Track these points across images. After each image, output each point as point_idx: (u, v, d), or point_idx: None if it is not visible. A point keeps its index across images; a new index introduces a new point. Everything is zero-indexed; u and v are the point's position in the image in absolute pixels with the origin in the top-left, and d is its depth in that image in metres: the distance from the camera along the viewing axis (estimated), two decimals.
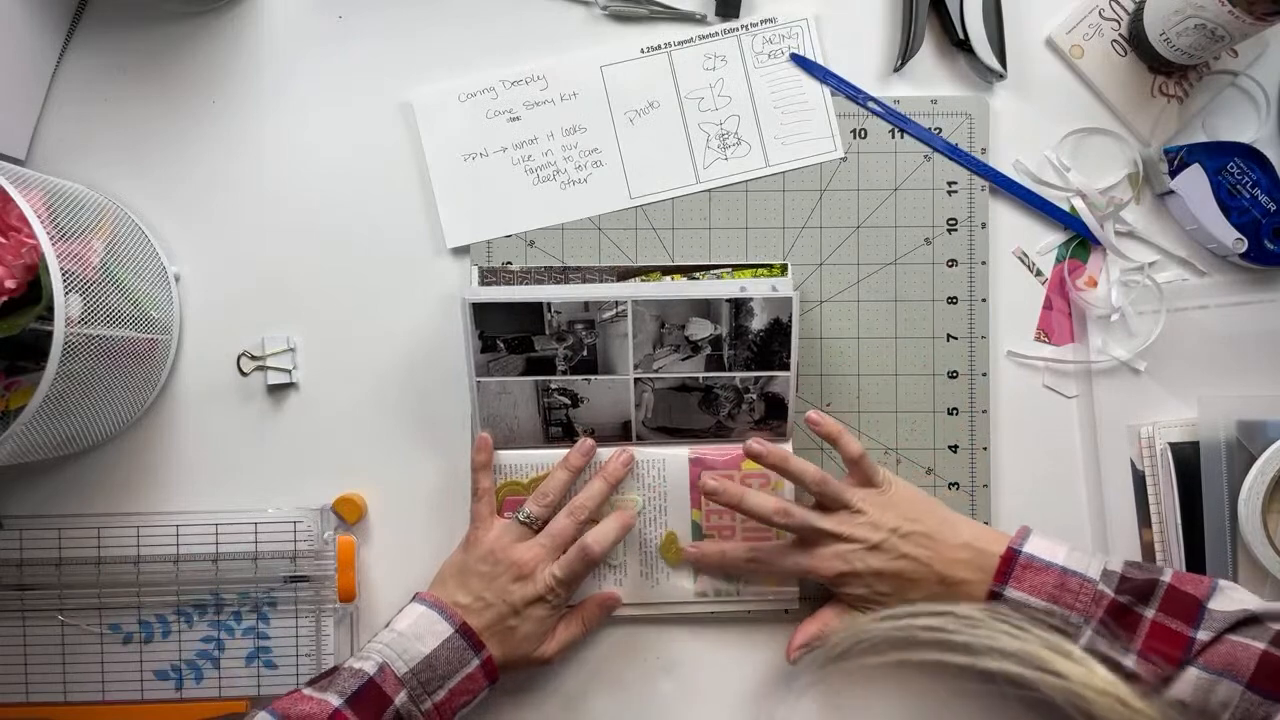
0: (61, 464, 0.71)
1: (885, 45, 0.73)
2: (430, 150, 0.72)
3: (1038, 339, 0.73)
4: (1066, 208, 0.72)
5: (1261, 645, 0.56)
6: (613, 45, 0.72)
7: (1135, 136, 0.72)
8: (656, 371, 0.69)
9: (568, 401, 0.69)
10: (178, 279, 0.71)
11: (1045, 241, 0.73)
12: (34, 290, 0.59)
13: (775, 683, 0.71)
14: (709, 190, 0.72)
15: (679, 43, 0.72)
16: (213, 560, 0.70)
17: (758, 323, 0.67)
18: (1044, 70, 0.73)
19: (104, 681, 0.70)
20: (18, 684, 0.69)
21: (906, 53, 0.71)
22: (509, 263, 0.71)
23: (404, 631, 0.63)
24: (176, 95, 0.72)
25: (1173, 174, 0.70)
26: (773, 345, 0.68)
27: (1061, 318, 0.73)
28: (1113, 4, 0.72)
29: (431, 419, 0.72)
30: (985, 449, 0.72)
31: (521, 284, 0.71)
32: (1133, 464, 0.71)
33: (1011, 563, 0.61)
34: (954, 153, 0.72)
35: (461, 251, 0.72)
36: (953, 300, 0.72)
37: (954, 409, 0.72)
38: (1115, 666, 0.56)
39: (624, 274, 0.71)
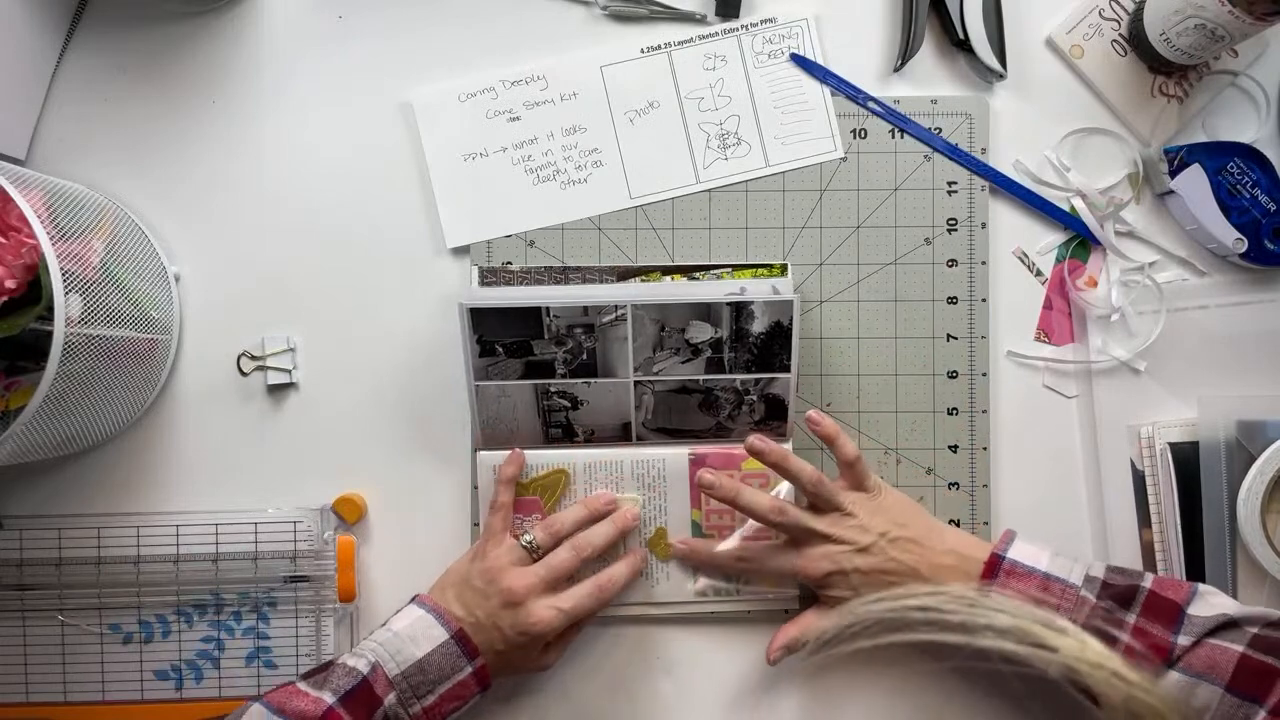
0: (61, 464, 0.71)
1: (885, 45, 0.73)
2: (430, 150, 0.72)
3: (1038, 339, 0.73)
4: (1066, 208, 0.72)
5: (1240, 648, 0.56)
6: (613, 45, 0.72)
7: (1135, 136, 0.72)
8: (656, 374, 0.69)
9: (567, 404, 0.69)
10: (178, 279, 0.71)
11: (1045, 241, 0.73)
12: (34, 290, 0.59)
13: (774, 682, 0.71)
14: (709, 190, 0.72)
15: (679, 43, 0.72)
16: (213, 560, 0.70)
17: (758, 325, 0.67)
18: (1044, 70, 0.73)
19: (104, 681, 0.70)
20: (18, 684, 0.69)
21: (906, 53, 0.71)
22: (509, 263, 0.71)
23: (399, 632, 0.63)
24: (176, 95, 0.72)
25: (1173, 174, 0.70)
26: (773, 347, 0.68)
27: (1061, 318, 0.73)
28: (1113, 4, 0.72)
29: (432, 419, 0.72)
30: (985, 449, 0.72)
31: (521, 284, 0.71)
32: (1133, 464, 0.71)
33: (995, 568, 0.62)
34: (954, 153, 0.72)
35: (461, 251, 0.72)
36: (953, 300, 0.72)
37: (954, 409, 0.72)
38: (1111, 641, 0.57)
39: (624, 274, 0.71)
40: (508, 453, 0.70)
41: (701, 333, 0.68)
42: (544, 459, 0.70)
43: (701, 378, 0.69)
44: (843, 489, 0.67)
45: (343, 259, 0.72)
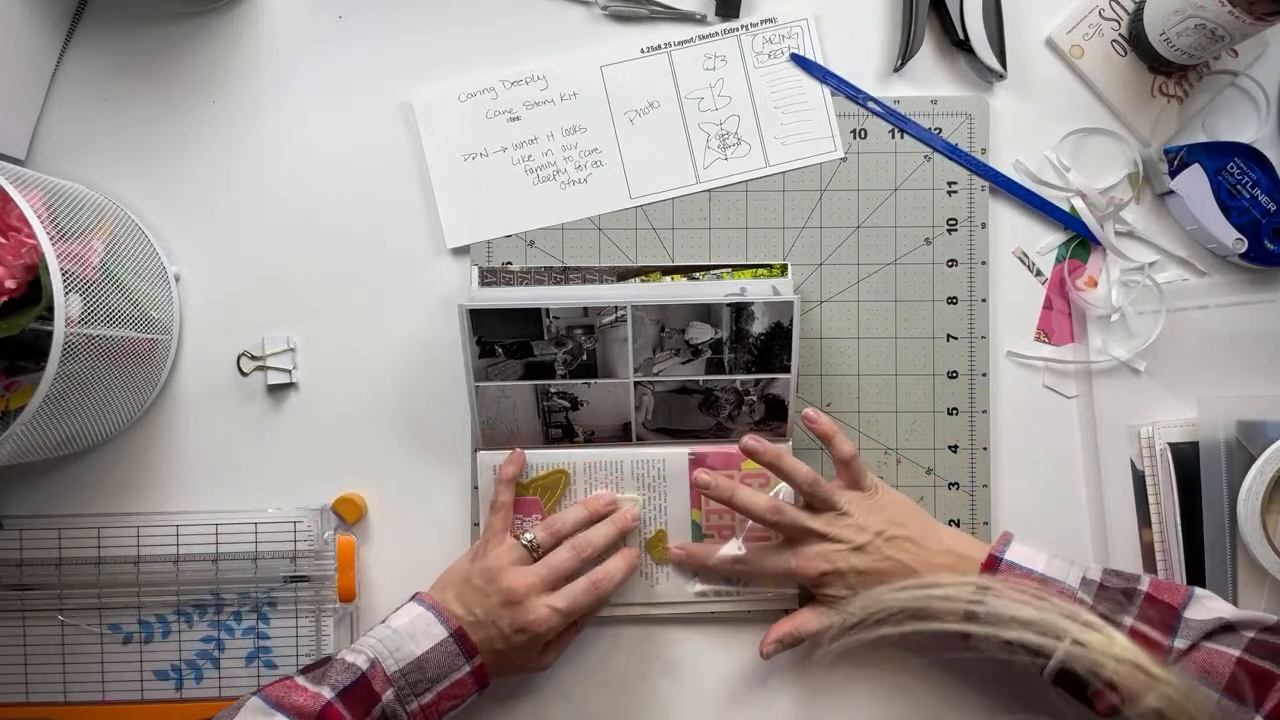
0: (61, 464, 0.71)
1: (885, 45, 0.73)
2: (430, 150, 0.72)
3: (1038, 339, 0.73)
4: (1066, 208, 0.72)
5: (1236, 653, 0.56)
6: (613, 45, 0.72)
7: (1135, 136, 0.72)
8: (656, 375, 0.69)
9: (568, 404, 0.69)
10: (178, 279, 0.71)
11: (1045, 241, 0.73)
12: (34, 290, 0.59)
13: (773, 682, 0.71)
14: (709, 190, 0.72)
15: (679, 43, 0.72)
16: (213, 560, 0.70)
17: (758, 326, 0.67)
18: (1044, 70, 0.73)
19: (104, 681, 0.70)
20: (18, 684, 0.69)
21: (906, 53, 0.71)
22: (509, 263, 0.71)
23: (399, 629, 0.63)
24: (176, 95, 0.72)
25: (1173, 174, 0.70)
26: (773, 348, 0.68)
27: (1061, 318, 0.73)
28: (1113, 4, 0.72)
29: (432, 418, 0.72)
30: (985, 449, 0.72)
31: (521, 284, 0.71)
32: (1133, 464, 0.71)
33: (993, 569, 0.62)
34: (954, 153, 0.72)
35: (461, 251, 0.72)
36: (953, 300, 0.72)
37: (954, 409, 0.72)
38: (1115, 626, 0.57)
39: (624, 274, 0.71)
40: (508, 453, 0.70)
41: (701, 333, 0.68)
42: (544, 459, 0.70)
43: (701, 378, 0.69)
44: (839, 488, 0.67)
45: (343, 259, 0.72)
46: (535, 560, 0.66)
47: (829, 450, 0.67)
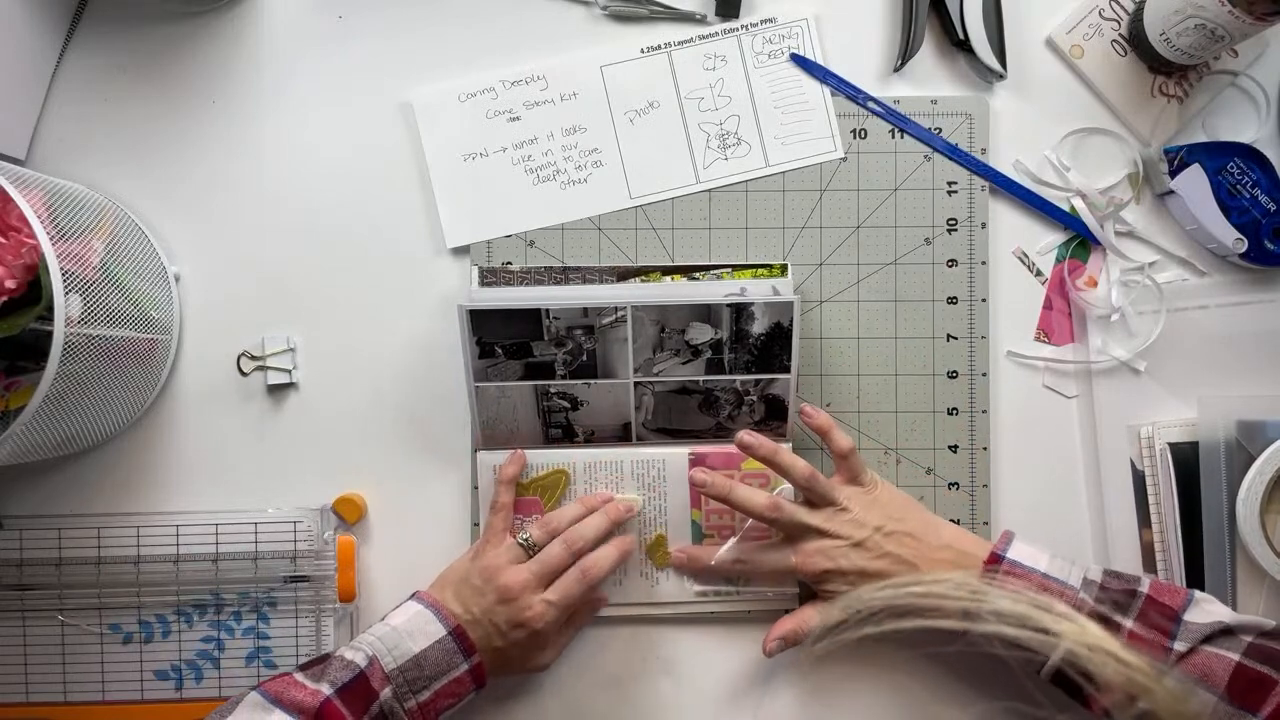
0: (61, 464, 0.71)
1: (885, 45, 0.73)
2: (430, 150, 0.72)
3: (1038, 339, 0.73)
4: (1066, 208, 0.72)
5: (1235, 657, 0.56)
6: (613, 45, 0.72)
7: (1135, 136, 0.72)
8: (656, 375, 0.69)
9: (567, 405, 0.69)
10: (178, 279, 0.71)
11: (1045, 241, 0.73)
12: (34, 290, 0.59)
13: (773, 682, 0.71)
14: (709, 190, 0.72)
15: (679, 43, 0.72)
16: (213, 560, 0.70)
17: (758, 326, 0.67)
18: (1044, 70, 0.73)
19: (104, 681, 0.70)
20: (18, 684, 0.69)
21: (906, 53, 0.71)
22: (509, 263, 0.71)
23: (397, 627, 0.63)
24: (176, 95, 0.72)
25: (1173, 174, 0.70)
26: (773, 349, 0.68)
27: (1061, 318, 0.73)
28: (1113, 4, 0.72)
29: (432, 418, 0.72)
30: (985, 449, 0.72)
31: (521, 284, 0.71)
32: (1133, 464, 0.71)
33: (995, 567, 0.62)
34: (954, 153, 0.72)
35: (461, 251, 0.72)
36: (953, 300, 0.72)
37: (954, 409, 0.72)
38: (1114, 629, 0.57)
39: (624, 274, 0.71)
40: (508, 453, 0.70)
41: (701, 334, 0.68)
42: (544, 459, 0.70)
43: (701, 378, 0.69)
44: (838, 484, 0.67)
45: (343, 259, 0.72)
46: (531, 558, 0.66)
47: (826, 445, 0.67)
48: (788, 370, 0.69)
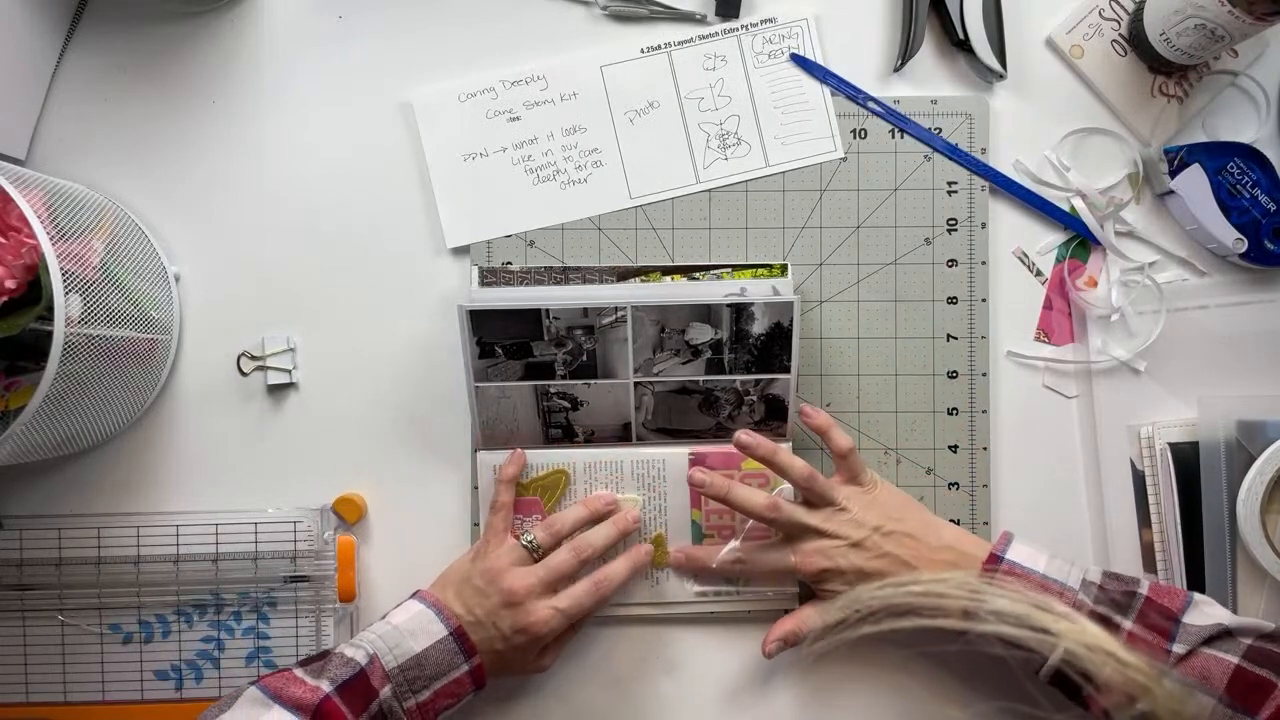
0: (61, 464, 0.71)
1: (885, 45, 0.73)
2: (430, 150, 0.72)
3: (1038, 339, 0.73)
4: (1066, 208, 0.72)
5: (1234, 659, 0.56)
6: (613, 45, 0.72)
7: (1135, 136, 0.72)
8: (656, 375, 0.69)
9: (568, 405, 0.69)
10: (178, 279, 0.71)
11: (1045, 241, 0.73)
12: (34, 290, 0.59)
13: (773, 682, 0.71)
14: (709, 190, 0.72)
15: (679, 43, 0.72)
16: (213, 560, 0.70)
17: (758, 326, 0.67)
18: (1044, 70, 0.73)
19: (104, 681, 0.70)
20: (18, 684, 0.69)
21: (906, 53, 0.71)
22: (509, 263, 0.71)
23: (399, 626, 0.63)
24: (176, 95, 0.72)
25: (1173, 174, 0.70)
26: (773, 348, 0.68)
27: (1061, 318, 0.73)
28: (1113, 4, 0.72)
29: (432, 418, 0.72)
30: (985, 449, 0.72)
31: (521, 284, 0.71)
32: (1133, 464, 0.71)
33: (994, 568, 0.62)
34: (954, 153, 0.72)
35: (461, 251, 0.72)
36: (953, 300, 0.72)
37: (954, 409, 0.72)
38: (1113, 630, 0.57)
39: (624, 274, 0.71)
40: (508, 453, 0.70)
41: (701, 334, 0.68)
42: (544, 459, 0.70)
43: (701, 379, 0.69)
44: (837, 483, 0.67)
45: (343, 259, 0.72)
46: (535, 561, 0.66)
47: (826, 444, 0.67)
48: (788, 370, 0.69)
